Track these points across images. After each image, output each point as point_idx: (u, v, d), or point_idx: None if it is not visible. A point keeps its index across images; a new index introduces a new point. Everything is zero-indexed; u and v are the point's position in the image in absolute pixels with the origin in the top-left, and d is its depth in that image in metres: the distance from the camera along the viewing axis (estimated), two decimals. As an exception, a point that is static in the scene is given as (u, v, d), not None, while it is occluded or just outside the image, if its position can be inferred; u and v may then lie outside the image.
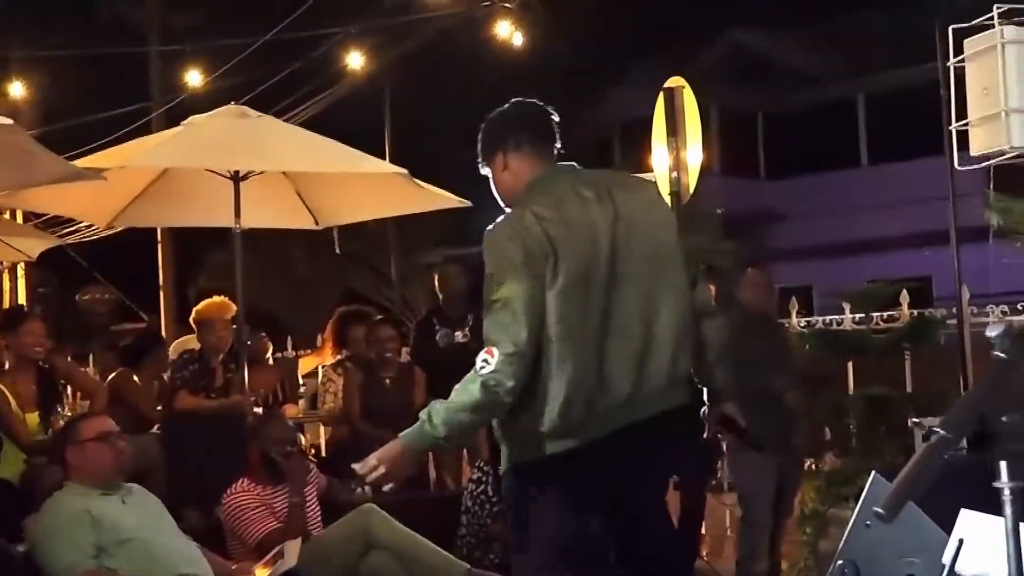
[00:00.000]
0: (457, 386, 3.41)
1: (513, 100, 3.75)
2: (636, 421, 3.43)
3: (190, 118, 7.17)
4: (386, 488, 3.58)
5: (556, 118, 3.71)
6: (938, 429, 1.63)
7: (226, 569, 4.76)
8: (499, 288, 3.36)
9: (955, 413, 1.64)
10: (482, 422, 3.55)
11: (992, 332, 1.68)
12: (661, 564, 3.81)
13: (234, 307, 7.01)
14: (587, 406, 3.37)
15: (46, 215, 11.46)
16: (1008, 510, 1.68)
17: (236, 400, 6.80)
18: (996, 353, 1.65)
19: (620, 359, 3.41)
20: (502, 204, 3.69)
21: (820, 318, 8.46)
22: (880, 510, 1.61)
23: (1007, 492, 1.67)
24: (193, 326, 7.14)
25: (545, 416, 3.36)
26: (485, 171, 3.72)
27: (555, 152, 3.68)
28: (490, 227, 3.51)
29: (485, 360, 3.33)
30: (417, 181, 7.09)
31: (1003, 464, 1.64)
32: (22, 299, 15.17)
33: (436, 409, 3.41)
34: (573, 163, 3.70)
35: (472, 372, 3.37)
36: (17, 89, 15.15)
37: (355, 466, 3.55)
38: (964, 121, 5.85)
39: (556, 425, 3.36)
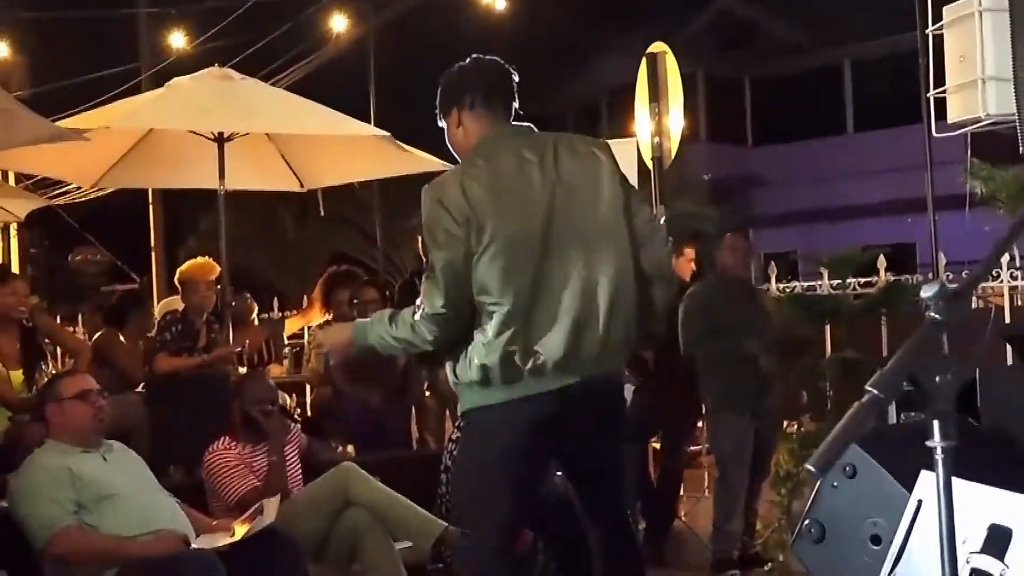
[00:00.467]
0: (405, 311, 3.56)
1: (474, 56, 3.73)
2: (570, 383, 3.48)
3: (173, 80, 7.16)
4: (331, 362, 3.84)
5: (516, 78, 3.70)
6: (870, 388, 1.64)
7: (206, 525, 4.76)
8: (430, 252, 3.50)
9: (887, 373, 1.64)
10: (405, 351, 3.77)
11: (926, 293, 1.68)
12: (620, 521, 3.88)
13: (217, 268, 7.00)
14: (513, 365, 3.43)
15: (37, 176, 11.41)
16: (940, 468, 1.69)
17: (219, 353, 6.76)
18: (930, 314, 1.65)
19: (554, 324, 3.45)
20: (457, 159, 3.72)
21: (798, 283, 8.47)
22: (810, 467, 1.62)
23: (939, 451, 1.68)
24: (177, 286, 7.11)
25: (471, 369, 3.47)
26: (442, 124, 3.73)
27: (511, 113, 3.67)
28: (425, 186, 3.55)
29: (417, 307, 3.51)
30: (400, 144, 7.08)
31: (935, 424, 1.65)
32: (14, 260, 15.12)
33: (380, 320, 3.63)
34: (529, 125, 3.69)
35: (412, 308, 3.53)
36: (2, 50, 15.04)
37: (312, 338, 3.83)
38: (941, 88, 5.83)
39: (480, 378, 3.47)
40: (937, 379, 1.63)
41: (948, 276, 7.09)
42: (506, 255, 3.41)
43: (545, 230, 3.46)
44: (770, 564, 6.31)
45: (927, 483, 2.64)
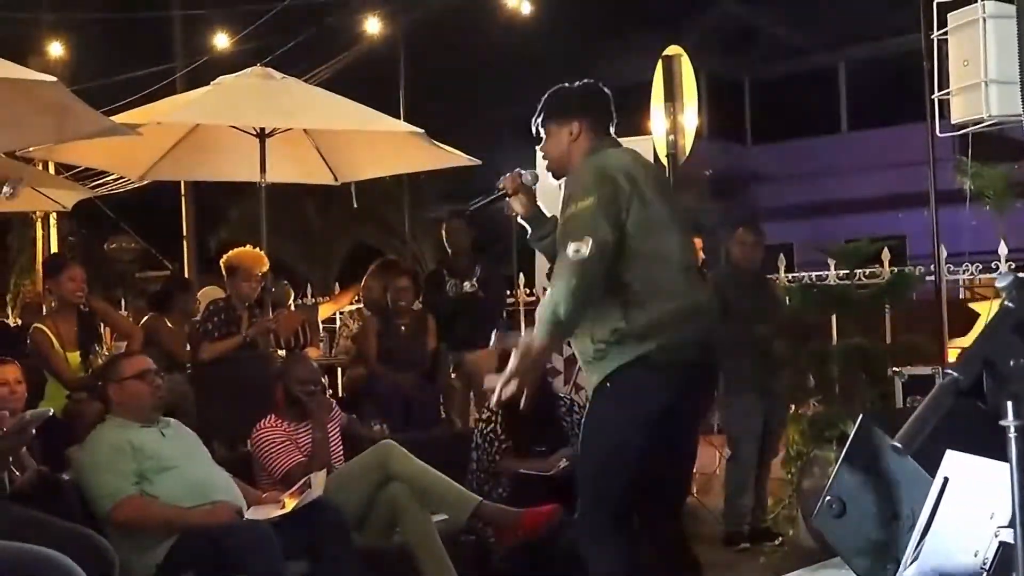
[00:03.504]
0: None
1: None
2: None
3: (219, 78, 7.17)
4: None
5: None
6: (951, 371, 1.67)
7: (256, 497, 4.80)
8: None
9: (967, 357, 1.67)
10: None
11: (1002, 283, 1.71)
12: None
13: (267, 262, 6.91)
14: None
15: (77, 167, 11.42)
16: (1014, 447, 1.70)
17: (259, 327, 6.72)
18: (1005, 302, 1.68)
19: None
20: None
21: (805, 274, 8.48)
22: (897, 444, 1.65)
23: (1012, 430, 1.70)
24: (223, 271, 6.93)
25: None
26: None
27: None
28: None
29: None
30: (431, 140, 7.10)
31: (1009, 404, 1.68)
32: (54, 248, 15.14)
33: None
34: None
35: None
36: (56, 49, 15.07)
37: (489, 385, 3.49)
38: (946, 90, 5.85)
39: None
40: (1011, 362, 1.65)
41: (950, 267, 7.14)
42: None
43: None
44: (780, 538, 6.35)
45: (953, 462, 2.66)
